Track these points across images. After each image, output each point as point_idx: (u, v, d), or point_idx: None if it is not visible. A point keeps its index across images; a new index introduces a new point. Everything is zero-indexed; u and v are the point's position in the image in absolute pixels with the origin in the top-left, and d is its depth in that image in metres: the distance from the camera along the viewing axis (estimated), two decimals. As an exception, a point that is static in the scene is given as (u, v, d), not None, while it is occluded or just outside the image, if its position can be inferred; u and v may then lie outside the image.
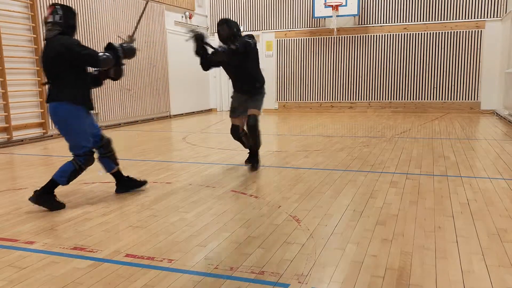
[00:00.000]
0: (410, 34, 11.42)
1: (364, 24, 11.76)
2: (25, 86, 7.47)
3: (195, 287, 2.21)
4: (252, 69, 4.89)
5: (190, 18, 12.13)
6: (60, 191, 4.13)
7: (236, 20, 12.72)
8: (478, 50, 10.98)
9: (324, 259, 2.51)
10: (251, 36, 4.86)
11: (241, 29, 4.79)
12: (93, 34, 8.82)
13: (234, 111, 5.00)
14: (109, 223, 3.21)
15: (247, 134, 4.90)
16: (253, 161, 4.97)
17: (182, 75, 11.80)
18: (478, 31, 10.90)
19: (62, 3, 7.99)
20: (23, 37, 7.42)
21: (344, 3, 11.26)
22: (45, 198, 3.54)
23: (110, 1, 9.27)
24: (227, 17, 13.14)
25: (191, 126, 9.61)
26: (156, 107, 10.90)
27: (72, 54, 3.48)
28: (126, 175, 4.09)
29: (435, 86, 11.41)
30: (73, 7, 8.38)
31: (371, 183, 4.24)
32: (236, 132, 4.99)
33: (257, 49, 4.98)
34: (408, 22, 11.39)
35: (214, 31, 12.95)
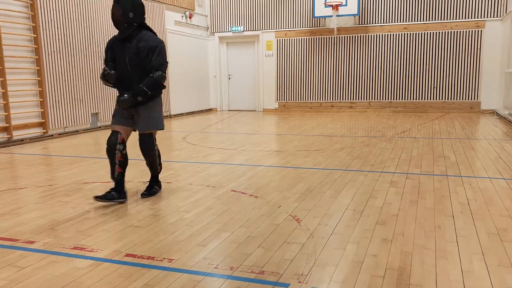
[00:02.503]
0: (410, 34, 11.42)
1: (364, 24, 11.76)
2: (25, 85, 7.47)
3: (195, 287, 2.21)
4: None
5: (190, 18, 12.13)
6: (60, 191, 4.14)
7: (236, 20, 12.80)
8: (478, 50, 10.98)
9: (324, 258, 2.51)
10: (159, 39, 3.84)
11: (145, 14, 3.75)
12: (93, 34, 8.82)
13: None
14: (109, 223, 3.21)
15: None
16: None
17: (182, 75, 11.80)
18: (478, 31, 10.90)
19: (63, 3, 8.01)
20: (23, 37, 7.42)
21: (344, 3, 11.26)
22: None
23: (110, 0, 9.26)
24: (226, 17, 13.21)
25: (191, 125, 9.61)
26: (156, 107, 10.89)
27: None
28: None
29: (435, 86, 11.41)
30: (73, 7, 8.38)
31: (371, 182, 4.24)
32: None
33: None
34: (408, 22, 11.39)
35: (214, 31, 12.96)
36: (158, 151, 3.96)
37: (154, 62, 3.65)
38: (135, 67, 3.65)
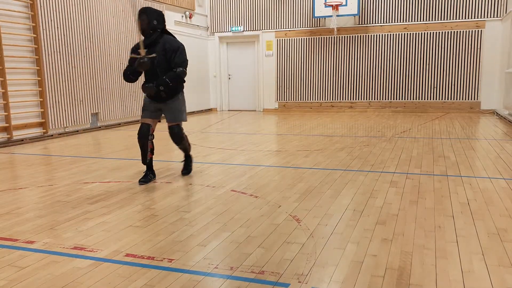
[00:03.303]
0: (410, 34, 11.42)
1: (364, 24, 11.76)
2: (25, 85, 7.47)
3: (195, 287, 2.21)
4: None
5: (190, 17, 12.13)
6: (61, 191, 4.14)
7: (236, 20, 12.80)
8: (478, 50, 10.98)
9: (324, 258, 2.51)
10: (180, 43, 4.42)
11: (165, 21, 4.34)
12: (93, 34, 8.82)
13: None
14: (109, 223, 3.21)
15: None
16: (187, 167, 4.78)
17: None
18: (478, 31, 10.90)
19: (63, 3, 8.01)
20: (23, 37, 7.42)
21: (344, 3, 11.26)
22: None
23: (110, 0, 9.26)
24: (226, 16, 13.21)
25: (191, 125, 9.60)
26: (156, 107, 10.89)
27: None
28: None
29: (435, 86, 11.41)
30: (73, 7, 8.38)
31: (371, 182, 4.24)
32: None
33: None
34: (408, 22, 11.39)
35: (214, 31, 12.96)
36: (186, 136, 4.62)
37: (177, 60, 4.24)
38: (161, 65, 4.24)
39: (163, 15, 4.35)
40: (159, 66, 4.24)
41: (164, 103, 4.36)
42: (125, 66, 4.45)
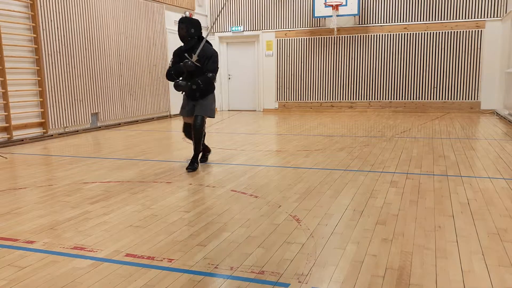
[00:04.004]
0: (410, 34, 11.42)
1: (364, 24, 11.76)
2: (25, 85, 7.47)
3: (195, 287, 2.21)
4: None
5: (190, 17, 12.12)
6: (60, 191, 4.14)
7: (236, 20, 12.80)
8: (478, 50, 10.98)
9: (324, 258, 2.51)
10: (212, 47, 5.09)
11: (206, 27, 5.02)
12: (93, 34, 8.82)
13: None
14: (109, 223, 3.21)
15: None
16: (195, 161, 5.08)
17: (182, 75, 11.80)
18: (478, 31, 10.90)
19: (63, 3, 8.01)
20: (23, 37, 7.42)
21: (344, 3, 11.26)
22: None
23: (110, 0, 9.27)
24: (226, 16, 13.21)
25: (191, 126, 9.60)
26: (156, 107, 10.91)
27: None
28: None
29: (435, 86, 11.41)
30: (73, 7, 8.39)
31: (371, 182, 4.24)
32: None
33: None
34: (408, 22, 11.39)
35: (214, 31, 12.96)
36: (205, 133, 5.11)
37: (209, 66, 4.90)
38: (197, 68, 4.85)
39: (199, 23, 4.99)
40: (194, 70, 4.86)
41: (197, 101, 5.00)
42: (165, 67, 5.09)
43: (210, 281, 2.27)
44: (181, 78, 4.94)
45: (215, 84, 5.09)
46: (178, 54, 4.98)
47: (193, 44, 4.89)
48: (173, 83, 4.92)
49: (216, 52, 5.01)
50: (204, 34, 5.18)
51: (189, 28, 4.87)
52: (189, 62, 4.78)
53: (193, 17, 4.99)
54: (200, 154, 5.24)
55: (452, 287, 2.18)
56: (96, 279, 2.31)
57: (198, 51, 4.82)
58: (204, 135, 5.11)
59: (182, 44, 4.98)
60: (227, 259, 2.53)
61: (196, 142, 5.01)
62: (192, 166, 4.95)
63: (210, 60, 4.90)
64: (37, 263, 2.53)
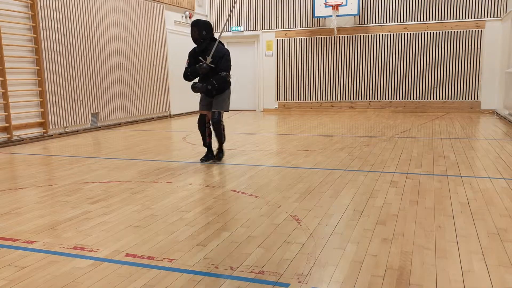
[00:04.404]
0: (410, 34, 11.42)
1: (364, 24, 11.76)
2: (26, 85, 7.47)
3: (195, 287, 2.21)
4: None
5: (190, 17, 12.13)
6: (60, 191, 4.14)
7: (236, 20, 12.79)
8: (478, 50, 10.98)
9: (324, 258, 2.51)
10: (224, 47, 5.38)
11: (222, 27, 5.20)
12: (93, 34, 8.82)
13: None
14: (109, 223, 3.21)
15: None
16: (218, 154, 5.53)
17: (182, 74, 11.78)
18: (478, 31, 10.90)
19: (63, 3, 8.01)
20: (23, 37, 7.42)
21: (344, 3, 11.26)
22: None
23: (110, 1, 9.27)
24: (226, 16, 13.18)
25: (191, 125, 9.61)
26: (156, 107, 10.91)
27: None
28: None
29: (435, 86, 11.41)
30: (73, 7, 8.38)
31: (371, 182, 4.24)
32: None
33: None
34: (408, 22, 11.39)
35: (214, 31, 12.95)
36: (224, 126, 5.38)
37: (222, 65, 5.17)
38: (211, 69, 5.14)
39: (211, 25, 5.27)
40: (210, 70, 5.16)
41: (214, 97, 5.32)
42: (181, 68, 5.25)
43: (210, 281, 2.27)
44: (197, 79, 5.31)
45: (230, 80, 5.40)
46: (193, 55, 5.26)
47: (206, 46, 5.15)
48: (187, 83, 5.24)
49: (228, 52, 5.27)
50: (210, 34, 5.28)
51: (201, 31, 5.12)
52: (204, 65, 5.06)
53: (204, 19, 5.20)
54: (202, 151, 5.40)
55: (452, 287, 2.18)
56: (96, 279, 2.31)
57: (211, 53, 5.07)
58: (224, 128, 5.40)
59: (196, 45, 5.24)
60: (227, 259, 2.53)
61: (218, 135, 5.33)
62: (218, 156, 5.45)
63: (222, 59, 5.16)
64: (37, 263, 2.53)
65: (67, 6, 8.19)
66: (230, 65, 5.30)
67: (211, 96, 5.33)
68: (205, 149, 5.56)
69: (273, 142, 7.08)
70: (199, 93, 5.41)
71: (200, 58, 5.14)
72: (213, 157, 5.43)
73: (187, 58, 5.34)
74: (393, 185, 4.14)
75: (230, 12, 5.74)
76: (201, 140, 5.48)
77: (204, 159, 5.39)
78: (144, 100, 10.43)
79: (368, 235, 2.86)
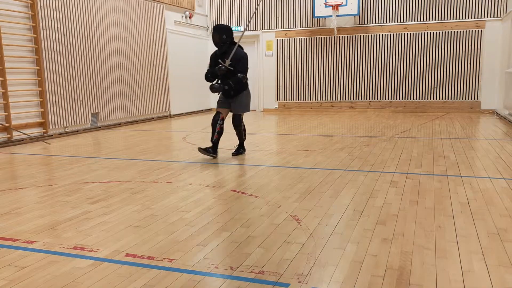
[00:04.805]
0: (410, 34, 11.42)
1: (364, 24, 11.76)
2: (26, 85, 7.47)
3: (195, 287, 2.21)
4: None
5: (190, 17, 12.13)
6: (60, 191, 4.14)
7: (236, 20, 12.79)
8: (478, 50, 10.98)
9: (324, 258, 2.51)
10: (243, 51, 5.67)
11: (238, 29, 5.36)
12: (93, 34, 8.82)
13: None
14: (109, 223, 3.21)
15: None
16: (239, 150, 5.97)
17: (182, 74, 11.80)
18: (478, 31, 10.90)
19: (63, 3, 8.01)
20: (23, 37, 7.42)
21: (344, 3, 11.26)
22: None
23: (110, 0, 9.26)
24: (226, 16, 13.21)
25: (191, 125, 9.61)
26: (156, 107, 10.91)
27: None
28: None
29: (435, 86, 11.41)
30: (73, 7, 8.38)
31: (371, 182, 4.24)
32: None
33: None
34: (408, 22, 11.39)
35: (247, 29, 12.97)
36: (244, 126, 5.88)
37: (239, 67, 5.50)
38: (229, 71, 5.48)
39: (231, 29, 5.62)
40: (227, 72, 5.49)
41: (232, 98, 5.66)
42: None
43: (210, 281, 2.27)
44: (217, 80, 5.64)
45: (247, 82, 5.73)
46: (214, 58, 5.64)
47: (226, 49, 5.52)
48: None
49: (246, 55, 5.61)
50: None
51: (222, 35, 5.50)
52: (222, 67, 5.39)
53: (225, 24, 5.73)
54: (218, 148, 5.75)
55: (452, 287, 2.18)
56: (96, 279, 2.31)
57: (230, 56, 5.41)
58: (244, 128, 5.88)
59: (217, 48, 5.61)
60: (227, 259, 2.53)
61: (238, 134, 5.85)
62: (237, 152, 5.87)
63: (240, 62, 5.49)
64: (37, 263, 2.53)
65: (67, 6, 8.19)
66: (247, 68, 5.60)
67: (228, 96, 5.63)
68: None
69: (273, 142, 7.08)
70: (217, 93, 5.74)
71: (219, 60, 5.49)
72: (213, 154, 5.58)
73: (209, 61, 5.74)
74: (393, 185, 4.14)
75: (253, 14, 6.05)
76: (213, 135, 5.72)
77: (203, 151, 5.53)
78: (144, 100, 10.43)
79: (368, 235, 2.86)
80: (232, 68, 5.45)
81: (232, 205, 3.61)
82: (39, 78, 7.62)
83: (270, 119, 10.78)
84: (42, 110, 7.71)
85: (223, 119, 5.64)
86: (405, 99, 11.69)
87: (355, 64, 11.99)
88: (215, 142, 5.59)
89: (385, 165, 5.05)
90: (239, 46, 5.58)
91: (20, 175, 4.96)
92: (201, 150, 5.52)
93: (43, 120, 7.73)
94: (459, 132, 7.65)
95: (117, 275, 2.35)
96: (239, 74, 5.49)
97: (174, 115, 11.56)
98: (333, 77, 12.22)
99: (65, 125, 8.21)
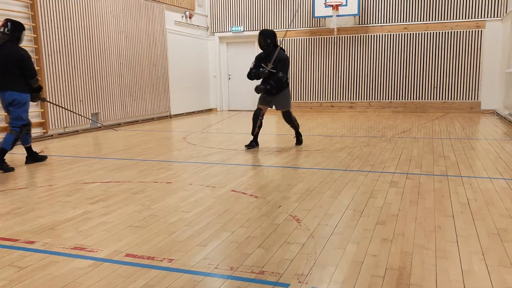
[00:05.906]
0: (410, 34, 11.42)
1: (364, 24, 11.76)
2: (25, 86, 7.46)
3: (195, 287, 2.21)
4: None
5: (190, 17, 12.13)
6: (61, 191, 4.14)
7: (236, 20, 12.80)
8: (478, 50, 10.98)
9: (324, 259, 2.51)
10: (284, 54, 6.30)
11: (277, 35, 6.44)
12: (93, 34, 8.82)
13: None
14: (109, 223, 3.21)
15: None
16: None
17: (182, 75, 11.80)
18: (478, 31, 10.90)
19: (63, 3, 8.00)
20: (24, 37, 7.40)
21: (344, 3, 11.26)
22: None
23: (110, 1, 9.26)
24: (226, 17, 13.21)
25: (191, 125, 9.61)
26: (156, 107, 10.91)
27: (25, 63, 5.22)
28: (33, 150, 5.60)
29: (435, 86, 11.41)
30: (73, 7, 8.36)
31: (371, 183, 4.24)
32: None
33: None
34: (408, 22, 11.39)
35: (214, 31, 12.97)
36: (295, 118, 6.50)
37: (279, 68, 6.09)
38: (271, 72, 6.09)
39: (275, 34, 6.27)
40: (270, 72, 6.09)
41: (273, 96, 6.26)
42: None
43: (210, 281, 2.27)
44: (260, 80, 6.26)
45: (288, 81, 6.31)
46: (259, 59, 6.25)
47: (269, 52, 6.12)
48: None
49: (287, 57, 6.23)
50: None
51: (266, 39, 6.14)
52: (266, 71, 6.05)
53: (270, 29, 6.51)
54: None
55: (452, 287, 2.18)
56: (96, 279, 2.31)
57: (273, 59, 5.99)
58: (295, 119, 6.48)
59: (262, 51, 6.24)
60: (227, 259, 2.53)
61: (292, 125, 6.47)
62: (298, 141, 6.58)
63: (280, 63, 6.08)
64: (37, 263, 2.53)
65: (67, 6, 8.19)
66: (288, 69, 6.22)
67: (271, 94, 6.23)
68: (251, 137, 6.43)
69: (273, 142, 7.08)
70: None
71: (263, 64, 6.14)
72: (256, 145, 6.27)
73: (253, 60, 6.30)
74: (393, 185, 4.14)
75: (294, 16, 6.76)
76: (252, 129, 6.29)
77: (248, 146, 6.20)
78: (144, 100, 10.43)
79: (368, 235, 2.86)
80: (274, 71, 6.05)
81: (232, 205, 3.61)
82: (39, 78, 7.60)
83: (270, 119, 10.78)
84: (42, 110, 7.71)
85: (263, 115, 6.30)
86: (405, 99, 11.69)
87: (355, 64, 11.99)
88: (256, 135, 6.25)
89: (385, 165, 5.05)
90: (281, 49, 6.17)
91: (20, 175, 4.96)
92: (247, 146, 6.21)
93: (43, 120, 7.73)
94: (459, 132, 7.65)
95: (117, 275, 2.35)
96: (280, 73, 6.06)
97: (174, 115, 11.56)
98: (333, 77, 12.22)
99: (65, 125, 8.21)
